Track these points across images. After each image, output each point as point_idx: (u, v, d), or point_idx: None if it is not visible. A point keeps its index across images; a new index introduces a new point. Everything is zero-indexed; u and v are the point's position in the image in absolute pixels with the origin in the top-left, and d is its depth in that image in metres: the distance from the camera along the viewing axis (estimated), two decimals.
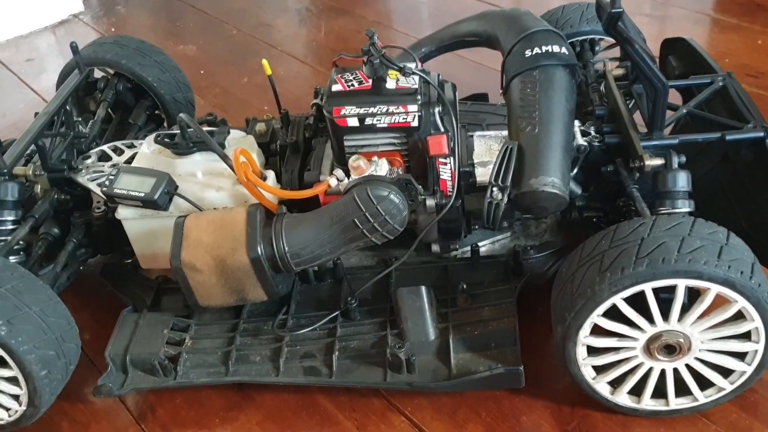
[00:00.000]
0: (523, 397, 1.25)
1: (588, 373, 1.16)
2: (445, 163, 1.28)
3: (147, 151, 1.39)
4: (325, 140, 1.42)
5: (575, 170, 1.30)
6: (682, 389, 1.16)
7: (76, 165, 1.44)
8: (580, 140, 1.30)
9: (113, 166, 1.44)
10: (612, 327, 1.10)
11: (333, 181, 1.28)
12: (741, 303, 1.05)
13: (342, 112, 1.26)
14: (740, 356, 1.12)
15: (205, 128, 1.35)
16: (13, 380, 1.17)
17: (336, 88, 1.29)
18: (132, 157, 1.45)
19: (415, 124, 1.26)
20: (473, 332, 1.26)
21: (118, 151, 1.50)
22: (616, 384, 1.17)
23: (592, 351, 1.14)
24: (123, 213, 1.34)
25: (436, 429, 1.23)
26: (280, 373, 1.26)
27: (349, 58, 1.32)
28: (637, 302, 1.07)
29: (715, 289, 1.04)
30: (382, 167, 1.26)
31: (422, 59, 1.54)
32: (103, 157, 1.49)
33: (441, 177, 1.29)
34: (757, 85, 2.04)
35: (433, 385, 1.22)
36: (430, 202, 1.30)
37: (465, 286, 1.31)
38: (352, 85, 1.29)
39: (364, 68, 1.28)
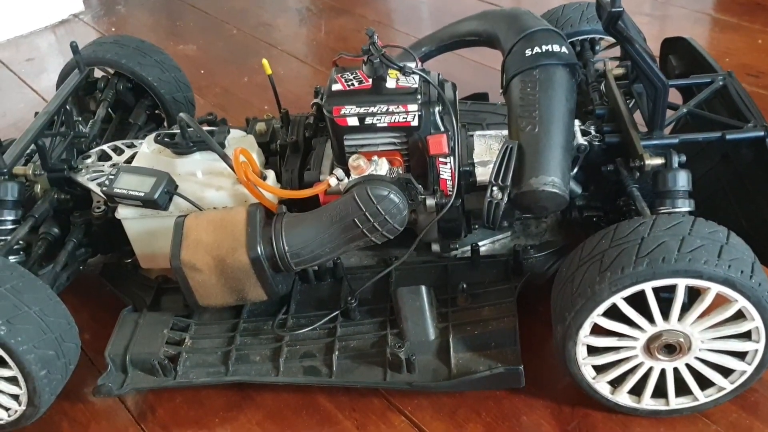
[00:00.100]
0: (523, 397, 1.25)
1: (588, 373, 1.16)
2: (445, 163, 1.28)
3: (147, 150, 1.39)
4: (325, 140, 1.42)
5: (575, 170, 1.30)
6: (682, 389, 1.15)
7: (76, 165, 1.44)
8: (581, 139, 1.30)
9: (113, 165, 1.44)
10: (612, 326, 1.10)
11: (333, 181, 1.28)
12: (741, 302, 1.05)
13: (342, 112, 1.26)
14: (740, 356, 1.12)
15: (205, 128, 1.35)
16: (12, 380, 1.16)
17: (336, 87, 1.28)
18: (132, 157, 1.45)
19: (415, 123, 1.26)
20: (473, 332, 1.26)
21: (118, 151, 1.50)
22: (616, 383, 1.17)
23: (592, 350, 1.14)
24: (123, 213, 1.34)
25: (436, 429, 1.23)
26: (280, 373, 1.26)
27: (350, 57, 1.32)
28: (638, 302, 1.07)
29: (715, 289, 1.04)
30: (382, 167, 1.26)
31: (422, 59, 1.54)
32: (103, 157, 1.49)
33: (441, 176, 1.29)
34: (758, 84, 2.04)
35: (433, 384, 1.22)
36: (430, 202, 1.30)
37: (465, 286, 1.31)
38: (352, 84, 1.29)
39: (364, 68, 1.28)
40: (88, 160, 1.47)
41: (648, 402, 1.17)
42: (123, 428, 1.30)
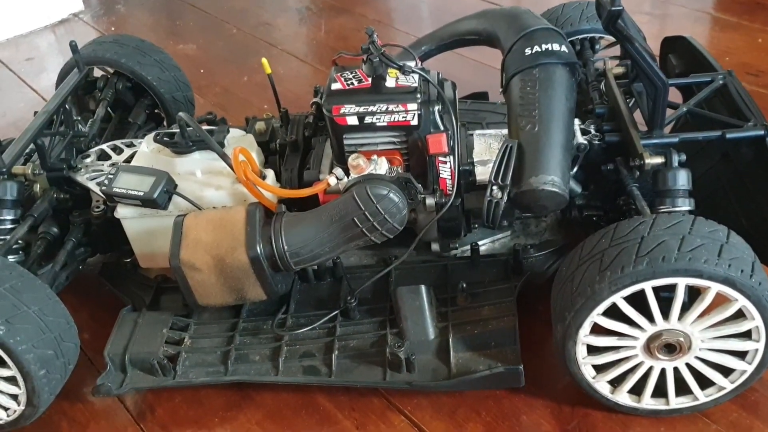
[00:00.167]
0: (523, 397, 1.25)
1: (588, 372, 1.16)
2: (445, 162, 1.28)
3: (146, 149, 1.39)
4: (325, 139, 1.42)
5: (575, 169, 1.30)
6: (682, 388, 1.15)
7: (75, 164, 1.44)
8: (580, 139, 1.30)
9: (112, 165, 1.44)
10: (612, 326, 1.10)
11: (332, 180, 1.28)
12: (741, 302, 1.05)
13: (341, 111, 1.26)
14: (741, 355, 1.12)
15: (205, 127, 1.35)
16: (11, 380, 1.16)
17: (335, 86, 1.28)
18: (131, 156, 1.45)
19: (414, 122, 1.26)
20: (473, 331, 1.25)
21: (118, 150, 1.50)
22: (616, 383, 1.17)
23: (592, 350, 1.14)
24: (122, 212, 1.34)
25: (435, 428, 1.23)
26: (280, 373, 1.26)
27: (349, 56, 1.32)
28: (638, 301, 1.07)
29: (715, 288, 1.04)
30: (381, 166, 1.26)
31: (422, 58, 1.54)
32: (103, 156, 1.49)
33: (441, 176, 1.29)
34: (758, 83, 2.03)
35: (433, 384, 1.22)
36: (430, 201, 1.30)
37: (465, 285, 1.31)
38: (352, 83, 1.28)
39: (364, 67, 1.28)
40: (88, 160, 1.47)
41: (648, 401, 1.17)
42: (122, 428, 1.30)
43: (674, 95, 1.33)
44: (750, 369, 1.12)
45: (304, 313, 1.35)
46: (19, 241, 1.35)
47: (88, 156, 1.48)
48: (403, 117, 1.25)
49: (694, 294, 1.09)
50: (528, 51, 1.31)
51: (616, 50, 1.65)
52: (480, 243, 1.40)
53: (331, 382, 1.25)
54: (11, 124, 2.25)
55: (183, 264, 1.21)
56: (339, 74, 1.31)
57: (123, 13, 3.00)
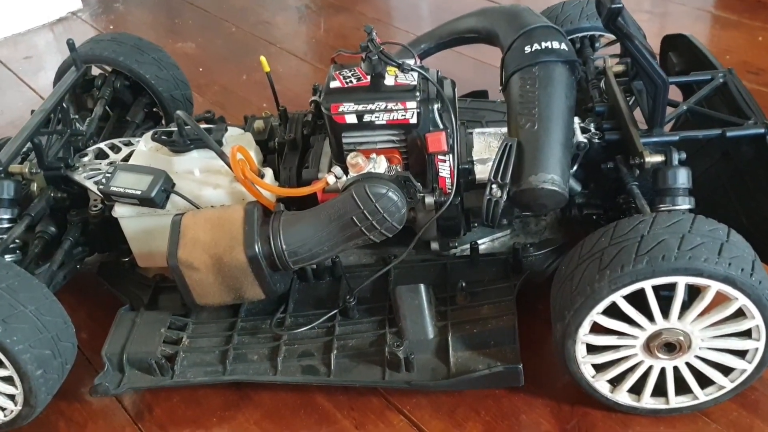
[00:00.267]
0: (522, 396, 1.25)
1: (587, 372, 1.15)
2: (444, 161, 1.28)
3: (144, 148, 1.38)
4: (324, 137, 1.41)
5: (575, 167, 1.30)
6: (682, 387, 1.15)
7: (72, 163, 1.44)
8: (580, 137, 1.29)
9: (110, 163, 1.44)
10: (612, 325, 1.09)
11: (331, 179, 1.27)
12: (741, 300, 1.05)
13: (340, 109, 1.25)
14: (741, 354, 1.11)
15: (203, 126, 1.34)
16: (8, 380, 1.16)
17: (334, 84, 1.28)
18: (129, 155, 1.44)
19: (413, 121, 1.25)
20: (472, 330, 1.25)
21: (116, 149, 1.49)
22: (615, 382, 1.17)
23: (592, 349, 1.13)
24: (120, 211, 1.33)
25: (435, 428, 1.22)
26: (278, 372, 1.26)
27: (348, 54, 1.31)
28: (637, 300, 1.07)
29: (715, 287, 1.04)
30: (380, 164, 1.25)
31: (421, 56, 1.54)
32: (100, 155, 1.48)
33: (440, 174, 1.28)
34: (758, 81, 2.03)
35: (432, 383, 1.21)
36: (429, 200, 1.29)
37: (464, 284, 1.30)
38: (351, 81, 1.28)
39: (363, 65, 1.27)
40: (85, 158, 1.46)
41: (648, 401, 1.16)
42: (120, 428, 1.30)
43: (674, 93, 1.33)
44: (750, 368, 1.11)
45: (302, 312, 1.35)
46: (16, 241, 1.35)
47: (86, 155, 1.47)
48: (402, 115, 1.25)
49: (694, 293, 1.08)
50: (528, 49, 1.30)
51: (616, 48, 1.65)
52: (479, 242, 1.40)
53: (330, 381, 1.25)
54: (9, 123, 2.24)
55: (181, 263, 1.21)
56: (338, 72, 1.30)
57: (122, 11, 2.99)
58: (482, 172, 1.29)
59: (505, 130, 1.31)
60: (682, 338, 1.09)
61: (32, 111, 1.46)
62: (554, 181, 1.16)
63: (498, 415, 1.23)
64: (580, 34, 1.64)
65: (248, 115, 1.56)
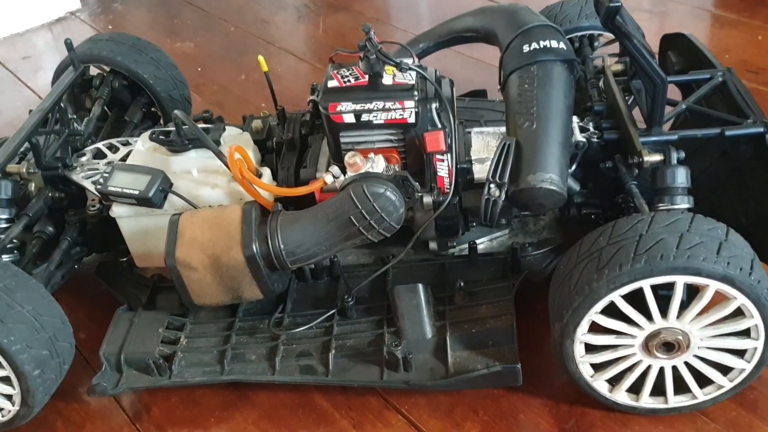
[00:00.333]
0: (520, 395, 1.24)
1: (586, 371, 1.15)
2: (443, 160, 1.27)
3: (142, 148, 1.38)
4: (322, 137, 1.41)
5: (573, 167, 1.29)
6: (681, 387, 1.15)
7: (70, 163, 1.43)
8: (579, 136, 1.29)
9: (108, 163, 1.43)
10: (610, 324, 1.09)
11: (329, 178, 1.27)
12: (740, 300, 1.04)
13: (338, 108, 1.25)
14: (739, 353, 1.11)
15: (201, 125, 1.34)
16: (5, 380, 1.16)
17: (332, 83, 1.27)
18: (127, 155, 1.44)
19: (411, 120, 1.25)
20: (471, 330, 1.25)
21: (113, 149, 1.49)
22: (614, 382, 1.16)
23: (590, 348, 1.13)
24: (117, 211, 1.33)
25: (433, 428, 1.22)
26: (276, 372, 1.25)
27: (346, 53, 1.31)
28: (636, 299, 1.06)
29: (714, 286, 1.03)
30: (378, 164, 1.25)
31: (420, 55, 1.53)
32: (98, 155, 1.48)
33: (438, 174, 1.28)
34: (757, 81, 2.03)
35: (431, 383, 1.21)
36: (427, 199, 1.29)
37: (462, 284, 1.30)
38: (349, 80, 1.27)
39: (361, 64, 1.27)
40: (83, 158, 1.46)
41: (646, 400, 1.16)
42: (118, 428, 1.29)
43: (673, 93, 1.32)
44: (749, 367, 1.11)
45: (300, 312, 1.35)
46: (14, 241, 1.34)
47: (84, 154, 1.47)
48: (400, 115, 1.24)
49: (692, 292, 1.08)
50: (526, 48, 1.30)
51: (615, 47, 1.64)
52: (478, 241, 1.40)
53: (328, 381, 1.24)
54: (8, 123, 2.24)
55: (178, 263, 1.21)
56: (336, 71, 1.30)
57: (120, 11, 2.99)
58: (480, 171, 1.29)
59: (503, 129, 1.30)
60: (680, 338, 1.09)
61: (30, 111, 1.45)
62: (552, 180, 1.16)
63: (496, 414, 1.23)
64: (578, 33, 1.64)
65: (246, 114, 1.55)
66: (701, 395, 1.14)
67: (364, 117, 1.25)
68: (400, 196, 1.21)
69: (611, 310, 1.08)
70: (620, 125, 1.29)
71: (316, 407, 1.28)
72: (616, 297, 1.05)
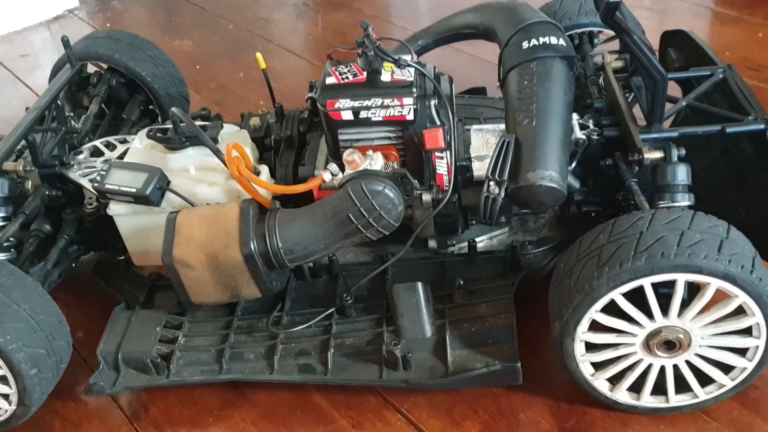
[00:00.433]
0: (520, 394, 1.24)
1: (586, 370, 1.14)
2: (442, 157, 1.27)
3: (139, 146, 1.37)
4: (320, 134, 1.40)
5: (573, 164, 1.29)
6: (682, 386, 1.14)
7: (67, 160, 1.43)
8: (579, 134, 1.28)
9: (105, 161, 1.43)
10: (610, 323, 1.09)
11: (327, 176, 1.26)
12: (742, 298, 1.04)
13: (336, 105, 1.24)
14: (741, 352, 1.10)
15: (198, 123, 1.33)
16: (2, 379, 1.15)
17: (330, 80, 1.27)
18: (124, 153, 1.43)
19: (410, 117, 1.24)
20: (470, 329, 1.24)
21: (111, 147, 1.48)
22: (615, 381, 1.16)
23: (591, 347, 1.12)
24: (115, 209, 1.32)
25: (432, 427, 1.22)
26: (275, 371, 1.25)
27: (344, 50, 1.30)
28: (636, 297, 1.06)
29: (715, 284, 1.03)
30: (377, 161, 1.24)
31: (418, 52, 1.52)
32: (96, 153, 1.47)
33: (437, 171, 1.27)
34: (758, 78, 2.02)
35: (430, 382, 1.20)
36: (427, 197, 1.28)
37: (462, 282, 1.29)
38: (347, 77, 1.27)
39: (359, 61, 1.26)
40: (80, 156, 1.45)
41: (647, 399, 1.15)
42: (116, 427, 1.29)
43: (673, 89, 1.32)
44: (750, 366, 1.10)
45: (299, 310, 1.34)
46: (11, 239, 1.34)
47: (81, 152, 1.46)
48: (398, 111, 1.24)
49: (693, 290, 1.08)
50: (525, 44, 1.29)
51: (615, 45, 1.64)
52: (477, 239, 1.39)
53: (327, 380, 1.24)
54: (5, 121, 2.22)
55: (176, 261, 1.20)
56: (334, 68, 1.29)
57: (118, 9, 2.98)
58: (480, 169, 1.28)
59: (503, 126, 1.30)
60: (681, 336, 1.08)
61: (27, 108, 1.45)
62: (552, 177, 1.15)
63: (496, 413, 1.22)
64: (578, 30, 1.63)
65: (245, 112, 1.55)
66: (702, 394, 1.14)
67: (363, 114, 1.24)
68: (398, 193, 1.20)
69: (612, 309, 1.07)
70: (620, 122, 1.28)
71: (315, 406, 1.27)
72: (616, 295, 1.05)
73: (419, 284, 1.26)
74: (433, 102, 1.25)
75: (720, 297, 1.05)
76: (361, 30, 1.24)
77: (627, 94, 1.36)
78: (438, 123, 1.26)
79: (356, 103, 1.23)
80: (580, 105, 1.39)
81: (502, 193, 1.18)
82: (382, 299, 1.32)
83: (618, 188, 1.29)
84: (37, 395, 1.17)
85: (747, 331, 1.08)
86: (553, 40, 1.29)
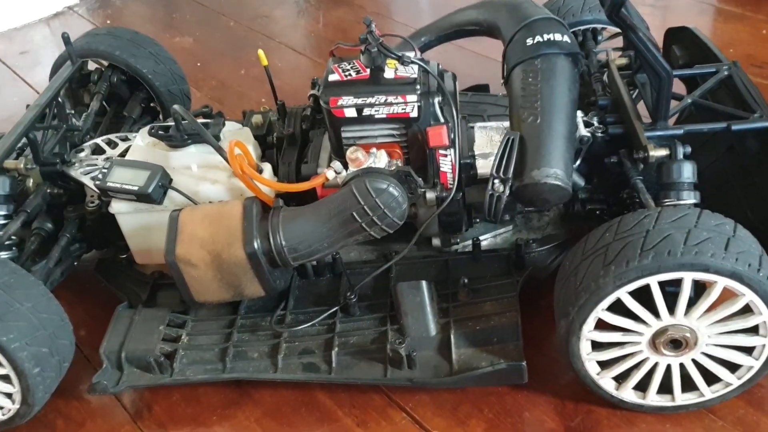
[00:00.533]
0: (525, 393, 1.23)
1: (592, 369, 1.14)
2: (446, 155, 1.26)
3: (141, 143, 1.37)
4: (323, 132, 1.39)
5: (578, 162, 1.28)
6: (688, 384, 1.13)
7: (69, 158, 1.42)
8: (583, 131, 1.28)
9: (107, 159, 1.42)
10: (617, 321, 1.08)
11: (330, 174, 1.26)
12: (749, 296, 1.03)
13: (339, 103, 1.23)
14: (748, 351, 1.10)
15: (200, 120, 1.33)
16: (5, 378, 1.15)
17: (333, 77, 1.26)
18: (126, 150, 1.42)
19: (414, 114, 1.23)
20: (475, 327, 1.24)
21: (112, 144, 1.48)
22: (620, 379, 1.15)
23: (597, 346, 1.12)
24: (116, 207, 1.32)
25: (437, 425, 1.21)
26: (279, 370, 1.24)
27: (347, 47, 1.29)
28: (643, 296, 1.05)
29: (722, 283, 1.02)
30: (380, 159, 1.23)
31: (422, 49, 1.52)
32: (97, 151, 1.47)
33: (441, 169, 1.27)
34: (762, 75, 2.01)
35: (435, 381, 1.20)
36: (430, 195, 1.27)
37: (466, 281, 1.29)
38: (350, 74, 1.26)
39: (362, 57, 1.25)
40: (82, 154, 1.45)
41: (653, 398, 1.15)
42: (119, 426, 1.28)
43: (678, 87, 1.31)
44: (757, 365, 1.10)
45: (303, 309, 1.33)
46: (12, 237, 1.33)
47: (82, 150, 1.46)
48: (402, 109, 1.23)
49: (700, 289, 1.07)
50: (529, 41, 1.29)
51: (619, 41, 1.63)
52: (481, 238, 1.38)
53: (331, 379, 1.23)
54: (5, 119, 2.21)
55: (179, 260, 1.19)
56: (336, 65, 1.28)
57: (118, 5, 2.97)
58: (484, 166, 1.28)
59: (507, 124, 1.29)
60: (688, 335, 1.08)
61: (27, 106, 1.44)
62: (557, 175, 1.15)
63: (501, 412, 1.22)
64: (582, 27, 1.62)
65: (246, 109, 1.54)
66: (709, 393, 1.13)
67: (366, 111, 1.23)
68: (402, 191, 1.20)
69: (618, 307, 1.06)
70: (625, 120, 1.28)
71: (319, 405, 1.26)
72: (622, 293, 1.04)
73: (423, 283, 1.26)
74: (436, 99, 1.24)
75: (727, 295, 1.04)
76: (362, 27, 1.23)
77: (631, 91, 1.36)
78: (442, 120, 1.25)
79: (359, 101, 1.23)
80: (584, 102, 1.38)
81: (507, 191, 1.18)
82: (386, 298, 1.32)
83: (623, 186, 1.29)
84: (40, 394, 1.16)
85: (754, 330, 1.08)
86: (558, 36, 1.28)
